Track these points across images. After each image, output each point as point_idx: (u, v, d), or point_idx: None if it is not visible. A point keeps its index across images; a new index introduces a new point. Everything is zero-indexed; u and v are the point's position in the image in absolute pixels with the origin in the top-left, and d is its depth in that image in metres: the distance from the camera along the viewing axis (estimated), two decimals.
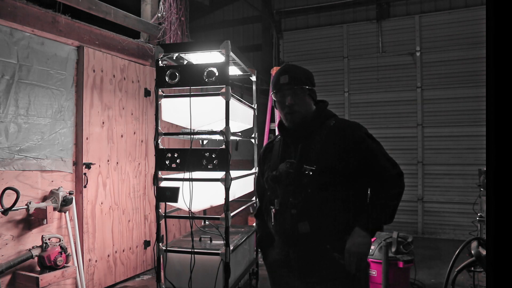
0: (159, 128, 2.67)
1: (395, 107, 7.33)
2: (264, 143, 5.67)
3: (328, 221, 1.73)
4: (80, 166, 3.90)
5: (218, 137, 2.67)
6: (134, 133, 4.66)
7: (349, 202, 1.77)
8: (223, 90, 2.52)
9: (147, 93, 4.84)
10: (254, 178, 3.50)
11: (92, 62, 4.04)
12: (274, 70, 5.76)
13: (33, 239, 3.43)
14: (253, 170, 3.47)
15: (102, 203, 4.14)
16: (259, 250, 3.63)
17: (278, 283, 1.93)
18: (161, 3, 4.99)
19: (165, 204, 2.62)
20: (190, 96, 2.55)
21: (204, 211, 3.52)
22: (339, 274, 1.72)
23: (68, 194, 3.59)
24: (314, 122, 1.85)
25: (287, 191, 1.78)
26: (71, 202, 3.60)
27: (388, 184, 1.77)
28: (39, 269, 3.37)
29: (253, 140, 3.52)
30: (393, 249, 3.67)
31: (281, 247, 1.86)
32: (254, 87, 3.67)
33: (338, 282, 1.74)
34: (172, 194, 2.51)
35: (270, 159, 1.96)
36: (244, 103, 3.23)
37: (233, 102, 2.70)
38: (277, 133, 5.94)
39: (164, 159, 2.62)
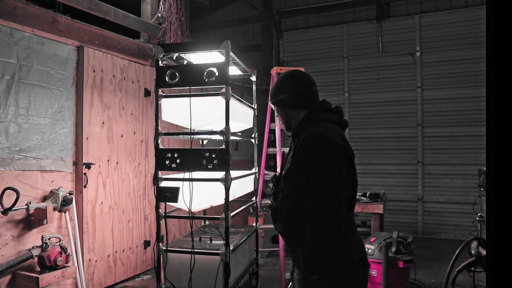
0: (159, 128, 2.67)
1: (395, 107, 7.33)
2: (264, 143, 5.68)
3: (294, 229, 1.75)
4: (80, 166, 3.90)
5: (218, 137, 2.67)
6: (134, 133, 4.66)
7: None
8: (223, 90, 2.51)
9: (147, 93, 4.84)
10: (254, 178, 3.50)
11: (92, 62, 4.04)
12: (274, 70, 5.74)
13: (33, 239, 3.43)
14: (253, 170, 3.47)
15: (102, 203, 4.14)
16: (259, 250, 3.63)
17: None
18: (161, 3, 4.99)
19: (165, 204, 2.62)
20: (190, 96, 2.55)
21: (204, 211, 3.51)
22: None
23: (68, 194, 3.59)
24: (296, 133, 1.84)
25: (274, 193, 1.89)
26: (71, 202, 3.60)
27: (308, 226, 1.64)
28: (39, 269, 3.37)
29: (253, 140, 3.52)
30: (393, 249, 3.67)
31: None
32: (254, 87, 3.67)
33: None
34: (172, 194, 2.51)
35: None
36: (244, 103, 3.23)
37: (233, 102, 2.70)
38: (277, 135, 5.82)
39: (164, 159, 2.62)
